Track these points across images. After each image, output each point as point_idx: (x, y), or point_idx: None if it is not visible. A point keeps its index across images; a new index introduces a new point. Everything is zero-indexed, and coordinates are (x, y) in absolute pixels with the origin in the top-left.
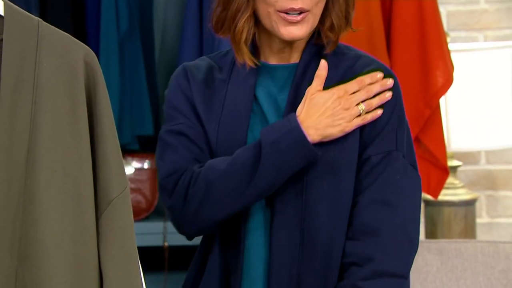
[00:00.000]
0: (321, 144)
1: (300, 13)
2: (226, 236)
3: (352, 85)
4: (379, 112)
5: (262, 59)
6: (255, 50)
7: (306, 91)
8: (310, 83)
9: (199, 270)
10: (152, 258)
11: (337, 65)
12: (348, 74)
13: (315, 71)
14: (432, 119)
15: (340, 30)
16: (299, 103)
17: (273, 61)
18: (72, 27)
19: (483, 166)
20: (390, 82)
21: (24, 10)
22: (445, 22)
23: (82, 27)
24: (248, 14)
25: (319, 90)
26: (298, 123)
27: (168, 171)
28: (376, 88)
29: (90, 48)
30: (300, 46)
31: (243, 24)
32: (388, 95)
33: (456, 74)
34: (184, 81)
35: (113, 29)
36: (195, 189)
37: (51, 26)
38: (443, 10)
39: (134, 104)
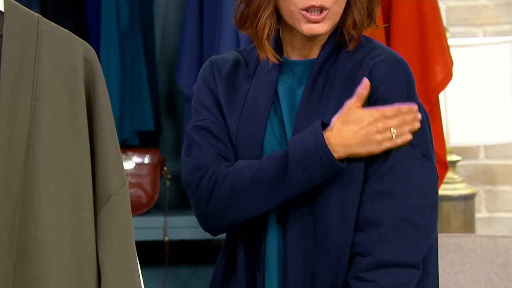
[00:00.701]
0: None
1: (321, 11)
2: (250, 232)
3: (390, 111)
4: (409, 137)
5: (285, 55)
6: (278, 46)
7: (345, 104)
8: (325, 78)
9: (227, 264)
10: (153, 253)
11: (352, 57)
12: (359, 64)
13: (333, 67)
14: (432, 114)
15: (362, 27)
16: (314, 99)
17: (294, 57)
18: (73, 22)
19: (482, 160)
20: (420, 116)
21: (25, 6)
22: (445, 17)
23: (83, 22)
24: (269, 11)
25: (357, 107)
26: (324, 140)
27: (192, 169)
28: (410, 118)
29: (91, 43)
30: (321, 42)
31: (265, 21)
32: (417, 125)
33: (455, 69)
34: (209, 75)
35: (114, 25)
36: (220, 191)
37: (51, 22)
38: (442, 5)
39: (134, 100)
